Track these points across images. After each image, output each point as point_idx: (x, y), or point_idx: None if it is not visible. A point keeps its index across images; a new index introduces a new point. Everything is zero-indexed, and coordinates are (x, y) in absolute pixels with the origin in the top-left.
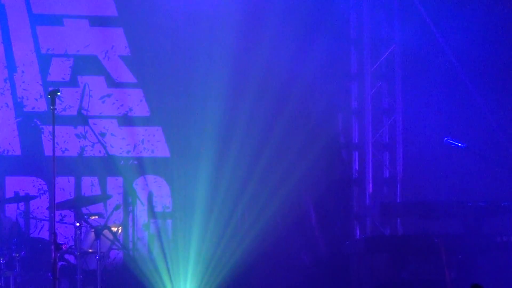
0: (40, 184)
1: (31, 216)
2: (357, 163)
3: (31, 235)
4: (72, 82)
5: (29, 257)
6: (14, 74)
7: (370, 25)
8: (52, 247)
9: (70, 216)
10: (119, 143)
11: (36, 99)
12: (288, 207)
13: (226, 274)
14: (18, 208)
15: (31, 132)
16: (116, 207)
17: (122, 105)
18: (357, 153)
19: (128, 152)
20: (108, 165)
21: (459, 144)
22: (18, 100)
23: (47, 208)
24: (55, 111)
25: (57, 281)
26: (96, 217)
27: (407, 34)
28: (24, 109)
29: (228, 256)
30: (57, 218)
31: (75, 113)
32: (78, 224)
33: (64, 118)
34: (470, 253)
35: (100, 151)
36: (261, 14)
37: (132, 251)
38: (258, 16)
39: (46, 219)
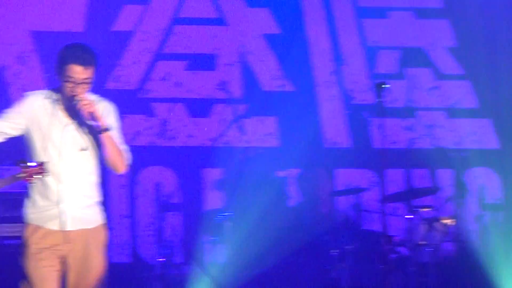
0: (371, 177)
1: (362, 208)
2: None
3: (363, 228)
4: (399, 75)
5: (361, 249)
6: (341, 67)
7: None
8: (384, 239)
9: (401, 208)
10: (447, 135)
11: (364, 92)
12: None
13: None
14: (349, 200)
15: (359, 124)
16: (447, 199)
17: (449, 97)
18: None
19: (456, 144)
20: (437, 157)
21: None
22: (346, 93)
23: (378, 201)
24: (383, 104)
25: (389, 273)
26: (428, 209)
27: None
28: (352, 102)
29: None
30: (388, 211)
31: (402, 105)
32: (409, 216)
33: (392, 110)
34: None
35: (428, 143)
36: None
37: (465, 244)
38: None
39: (377, 211)
